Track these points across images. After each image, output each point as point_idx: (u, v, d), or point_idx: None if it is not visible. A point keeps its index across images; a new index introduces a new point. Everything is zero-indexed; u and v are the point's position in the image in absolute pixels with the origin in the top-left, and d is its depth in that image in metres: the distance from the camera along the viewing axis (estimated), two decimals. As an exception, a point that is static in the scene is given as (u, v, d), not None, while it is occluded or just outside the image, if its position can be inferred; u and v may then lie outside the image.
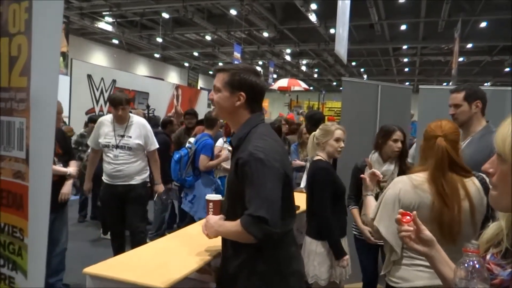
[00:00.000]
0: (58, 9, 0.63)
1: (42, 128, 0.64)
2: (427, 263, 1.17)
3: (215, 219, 1.92)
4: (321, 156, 2.91)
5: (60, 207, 3.71)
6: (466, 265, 0.94)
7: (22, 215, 0.65)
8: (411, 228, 1.20)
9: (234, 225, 1.73)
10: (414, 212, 1.22)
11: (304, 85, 15.91)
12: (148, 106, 6.68)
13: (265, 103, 20.69)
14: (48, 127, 0.65)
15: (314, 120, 4.72)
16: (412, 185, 1.97)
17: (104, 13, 14.47)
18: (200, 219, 4.18)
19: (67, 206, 3.87)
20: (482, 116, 2.73)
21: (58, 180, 3.59)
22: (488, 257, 0.97)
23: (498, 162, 0.92)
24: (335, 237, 2.80)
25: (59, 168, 3.59)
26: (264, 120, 1.96)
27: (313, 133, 3.11)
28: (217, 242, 2.63)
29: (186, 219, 4.55)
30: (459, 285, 0.95)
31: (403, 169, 2.96)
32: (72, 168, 3.69)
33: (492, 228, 0.99)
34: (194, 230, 3.01)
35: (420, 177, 1.99)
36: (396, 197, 1.98)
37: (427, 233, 1.21)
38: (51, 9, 0.61)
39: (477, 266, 0.93)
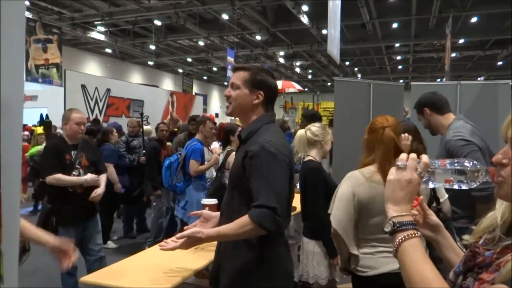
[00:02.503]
0: (21, 14, 0.64)
1: (11, 133, 0.65)
2: (390, 249, 1.17)
3: (207, 232, 1.73)
4: (312, 156, 2.91)
5: (88, 218, 3.65)
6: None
7: None
8: (416, 212, 1.19)
9: (238, 224, 1.67)
10: (421, 197, 1.20)
11: (298, 87, 15.92)
12: (142, 114, 6.65)
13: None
14: (16, 133, 0.66)
15: (316, 119, 4.67)
16: (365, 178, 2.04)
17: (96, 22, 14.48)
18: None
19: (97, 217, 3.78)
20: (441, 115, 2.84)
21: (85, 192, 3.51)
22: (480, 241, 0.98)
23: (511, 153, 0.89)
24: (329, 236, 2.80)
25: (72, 178, 3.44)
26: (275, 120, 2.03)
27: (301, 130, 3.08)
28: (215, 247, 2.63)
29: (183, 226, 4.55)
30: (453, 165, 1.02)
31: None
32: (89, 176, 3.47)
33: (488, 218, 1.00)
34: (191, 235, 3.02)
35: (370, 170, 2.06)
36: (350, 192, 2.04)
37: (433, 218, 1.21)
38: (15, 15, 0.62)
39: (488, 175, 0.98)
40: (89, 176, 3.49)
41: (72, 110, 3.58)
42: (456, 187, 1.04)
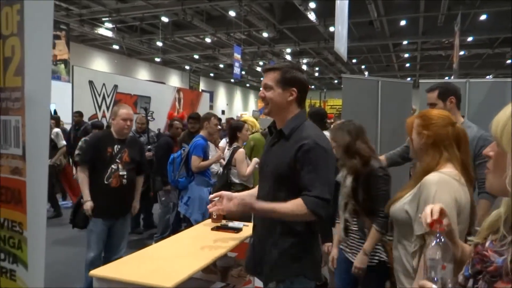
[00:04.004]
0: (49, 10, 0.65)
1: (37, 125, 0.66)
2: None
3: (261, 204, 1.90)
4: None
5: (119, 215, 3.69)
6: (433, 243, 1.03)
7: (21, 210, 0.67)
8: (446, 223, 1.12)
9: (293, 206, 1.81)
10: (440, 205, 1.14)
11: (305, 84, 15.87)
12: (146, 109, 6.61)
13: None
14: (42, 124, 0.67)
15: (319, 116, 4.71)
16: (456, 181, 1.73)
17: (103, 19, 14.53)
18: (196, 221, 4.16)
19: (128, 216, 3.83)
20: (457, 110, 2.82)
21: (120, 187, 3.56)
22: (487, 244, 0.98)
23: (496, 146, 0.96)
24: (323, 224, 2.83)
25: (84, 185, 3.50)
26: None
27: None
28: (222, 242, 2.64)
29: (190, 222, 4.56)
30: (428, 264, 1.03)
31: None
32: (88, 203, 3.46)
33: (492, 215, 1.01)
34: (198, 231, 3.03)
35: (453, 171, 1.76)
36: (454, 198, 1.70)
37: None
38: (42, 11, 0.63)
39: (442, 240, 1.03)
40: (88, 204, 3.48)
41: (119, 106, 3.71)
42: (449, 270, 1.04)
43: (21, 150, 0.65)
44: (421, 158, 1.88)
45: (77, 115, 8.35)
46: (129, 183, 3.62)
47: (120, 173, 3.56)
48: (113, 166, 3.54)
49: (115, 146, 3.58)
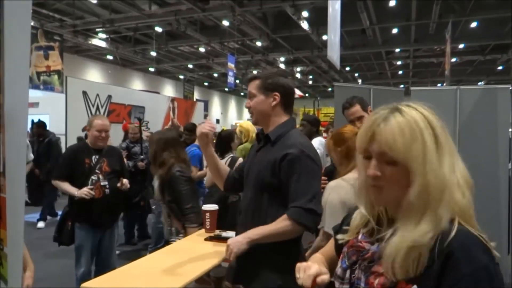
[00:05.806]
0: (27, 30, 0.67)
1: (15, 142, 0.67)
2: None
3: (240, 236, 1.85)
4: None
5: (108, 225, 3.65)
6: None
7: (2, 226, 0.68)
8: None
9: (276, 224, 1.79)
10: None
11: (298, 92, 15.95)
12: (140, 119, 6.59)
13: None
14: (20, 141, 0.68)
15: (315, 121, 5.11)
16: (350, 185, 2.08)
17: (97, 29, 14.55)
18: None
19: (116, 227, 3.80)
20: None
21: (104, 198, 3.51)
22: (359, 237, 1.08)
23: None
24: None
25: (67, 187, 3.44)
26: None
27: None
28: (216, 252, 2.64)
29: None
30: None
31: None
32: (83, 189, 3.38)
33: (358, 216, 1.10)
34: (192, 241, 3.02)
35: (353, 176, 2.08)
36: (341, 200, 2.08)
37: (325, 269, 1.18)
38: (20, 30, 0.65)
39: None
40: (82, 190, 3.40)
41: (95, 117, 3.65)
42: None
43: (1, 167, 0.66)
44: (339, 169, 2.29)
45: (38, 127, 7.64)
46: (112, 192, 3.57)
47: (102, 183, 3.51)
48: (93, 177, 3.48)
49: (93, 157, 3.52)
